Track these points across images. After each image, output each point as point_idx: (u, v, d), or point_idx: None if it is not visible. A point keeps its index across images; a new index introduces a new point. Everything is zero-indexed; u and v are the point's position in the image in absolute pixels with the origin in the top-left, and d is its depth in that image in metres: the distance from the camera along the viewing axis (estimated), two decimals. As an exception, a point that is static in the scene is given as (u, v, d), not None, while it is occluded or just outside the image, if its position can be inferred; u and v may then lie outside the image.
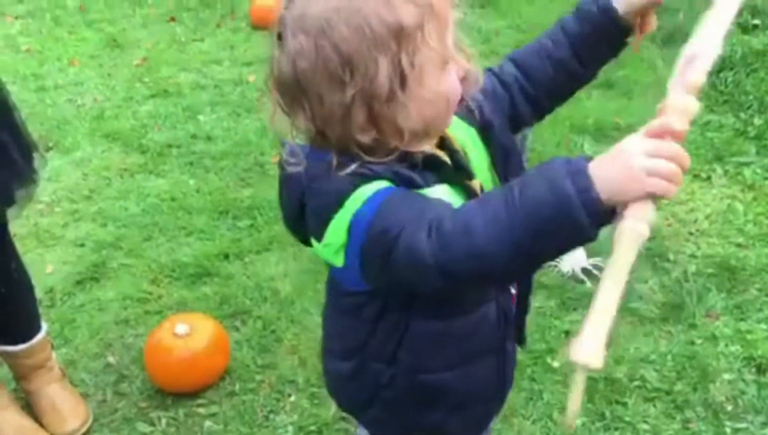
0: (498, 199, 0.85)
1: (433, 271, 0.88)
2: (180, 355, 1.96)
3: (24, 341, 1.86)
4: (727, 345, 2.14)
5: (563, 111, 3.74)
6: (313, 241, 1.03)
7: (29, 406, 1.93)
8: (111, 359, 2.15)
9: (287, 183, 1.07)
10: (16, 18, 4.70)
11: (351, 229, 0.95)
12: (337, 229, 0.97)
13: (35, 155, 1.74)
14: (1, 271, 1.78)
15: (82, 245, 2.66)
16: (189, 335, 1.98)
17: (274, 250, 2.61)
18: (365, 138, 0.95)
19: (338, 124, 0.95)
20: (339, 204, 0.95)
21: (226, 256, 2.57)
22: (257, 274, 2.48)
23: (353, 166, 0.96)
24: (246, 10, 4.68)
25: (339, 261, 1.00)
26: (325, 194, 0.98)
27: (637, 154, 0.80)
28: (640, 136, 0.82)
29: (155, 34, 4.50)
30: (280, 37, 0.95)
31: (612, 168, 0.80)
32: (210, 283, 2.45)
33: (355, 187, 0.95)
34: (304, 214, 1.04)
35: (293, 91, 0.95)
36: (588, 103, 3.55)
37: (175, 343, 1.97)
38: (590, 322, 0.79)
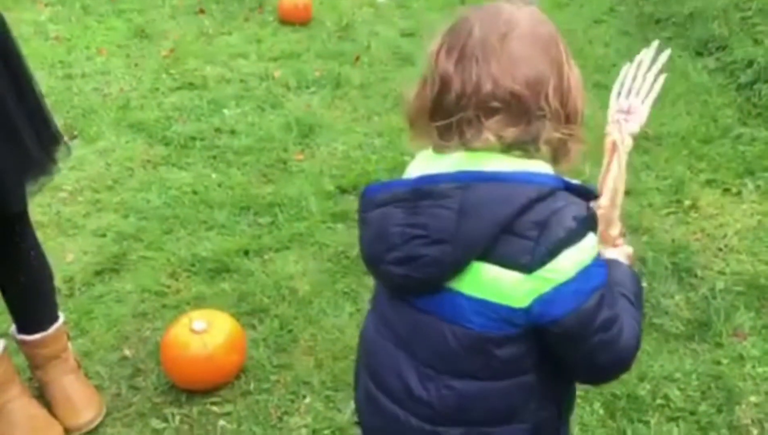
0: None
1: (627, 367, 1.05)
2: (196, 351, 1.94)
3: (40, 330, 1.86)
4: (754, 366, 2.08)
5: (591, 117, 3.67)
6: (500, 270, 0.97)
7: (43, 397, 1.92)
8: (127, 352, 2.14)
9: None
10: (46, 5, 4.72)
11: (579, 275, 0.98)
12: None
13: (57, 146, 1.73)
14: (21, 258, 1.77)
15: (103, 236, 2.66)
16: (206, 332, 1.96)
17: (294, 248, 2.59)
18: None
19: None
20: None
21: (246, 253, 2.55)
22: (276, 272, 2.45)
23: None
24: (274, 4, 4.67)
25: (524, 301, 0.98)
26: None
27: None
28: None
29: (183, 26, 4.50)
30: None
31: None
32: (229, 279, 2.43)
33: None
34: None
35: None
36: (617, 111, 3.49)
37: (191, 339, 1.95)
38: None
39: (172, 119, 3.45)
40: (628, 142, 1.24)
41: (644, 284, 2.36)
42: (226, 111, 3.53)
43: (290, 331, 2.21)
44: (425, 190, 0.99)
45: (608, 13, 4.69)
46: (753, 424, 1.91)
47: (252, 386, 2.02)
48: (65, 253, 2.53)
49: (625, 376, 2.00)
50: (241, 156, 3.15)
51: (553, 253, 0.95)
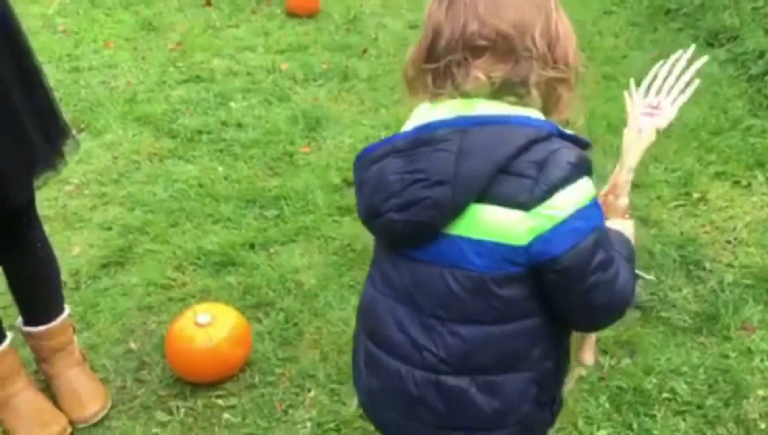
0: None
1: (621, 313, 1.07)
2: (201, 344, 1.95)
3: (46, 322, 1.86)
4: (762, 360, 2.06)
5: (600, 109, 3.66)
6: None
7: (49, 389, 1.93)
8: (132, 345, 2.14)
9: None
10: (55, -2, 4.73)
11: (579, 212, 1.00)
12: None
13: (65, 140, 1.73)
14: (28, 250, 1.78)
15: (109, 229, 2.66)
16: (211, 325, 1.96)
17: (300, 241, 2.59)
18: None
19: None
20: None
21: (252, 246, 2.55)
22: (282, 266, 2.45)
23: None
24: (282, -3, 4.65)
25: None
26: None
27: None
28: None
29: (191, 19, 4.49)
30: None
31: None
32: (234, 272, 2.43)
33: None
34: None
35: None
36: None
37: (196, 332, 1.95)
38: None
39: (179, 112, 3.45)
40: (652, 136, 1.31)
41: (652, 277, 2.34)
42: (232, 104, 3.53)
43: (295, 324, 2.21)
44: (424, 138, 1.02)
45: (618, 4, 4.65)
46: (761, 418, 1.89)
47: (257, 379, 2.02)
48: (71, 246, 2.54)
49: (631, 369, 2.01)
50: (247, 149, 3.15)
51: (551, 191, 0.98)
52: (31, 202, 1.74)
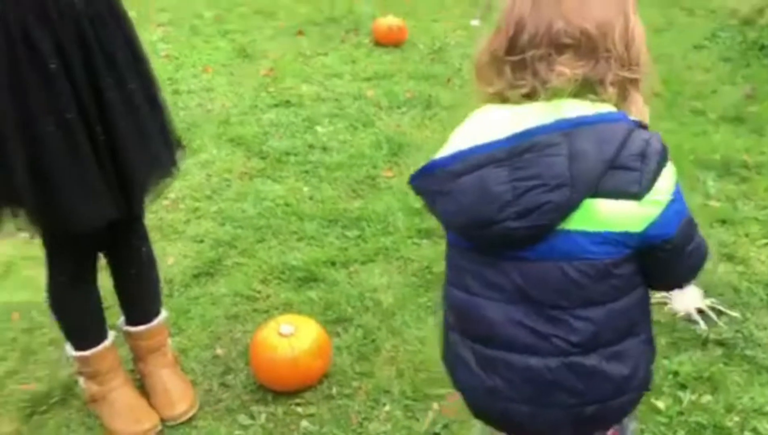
0: None
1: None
2: (283, 354, 2.03)
3: (145, 322, 2.00)
4: None
5: (687, 143, 3.60)
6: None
7: (143, 387, 2.06)
8: (219, 351, 2.25)
9: None
10: (159, 26, 5.04)
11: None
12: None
13: (178, 150, 1.87)
14: (134, 254, 1.93)
15: (201, 241, 2.82)
16: (293, 336, 2.05)
17: (379, 261, 2.66)
18: None
19: None
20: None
21: (333, 264, 2.64)
22: (361, 284, 2.53)
23: None
24: (369, 27, 4.81)
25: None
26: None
27: None
28: None
29: (283, 46, 4.70)
30: None
31: None
32: (316, 287, 2.52)
33: None
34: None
35: None
36: (716, 137, 3.40)
37: (279, 342, 2.04)
38: None
39: (269, 134, 3.61)
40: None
41: (737, 314, 2.29)
42: (319, 128, 3.67)
43: (373, 340, 2.28)
44: (525, 145, 1.06)
45: (710, 38, 4.58)
46: None
47: (335, 391, 2.09)
48: (166, 257, 2.69)
49: (712, 406, 1.97)
50: (332, 171, 3.26)
51: (654, 178, 1.07)
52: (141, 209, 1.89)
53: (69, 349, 1.94)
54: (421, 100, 3.92)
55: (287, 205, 3.03)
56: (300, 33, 4.90)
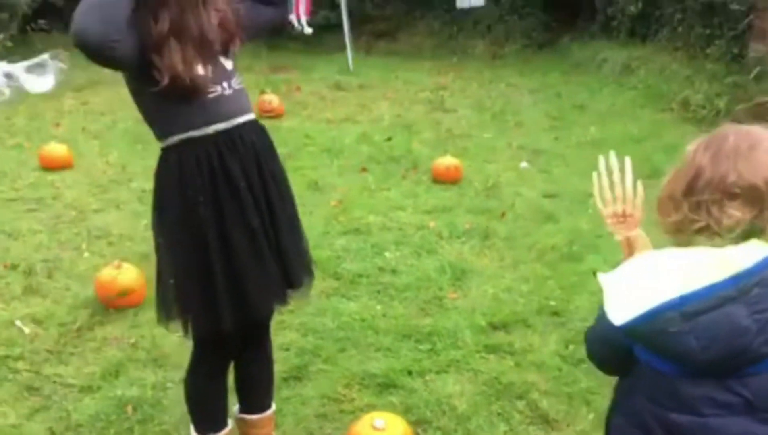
0: None
1: None
2: (376, 447, 2.27)
3: (259, 412, 2.27)
4: None
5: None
6: None
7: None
8: (313, 445, 2.50)
9: None
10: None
11: None
12: None
13: (310, 276, 2.24)
14: (262, 352, 2.24)
15: (287, 350, 3.11)
16: (385, 430, 2.29)
17: (451, 372, 2.92)
18: None
19: None
20: None
21: (410, 373, 2.91)
22: (436, 391, 2.78)
23: None
24: (427, 166, 5.31)
25: None
26: None
27: None
28: None
29: (349, 181, 5.19)
30: None
31: None
32: (395, 393, 2.78)
33: None
34: None
35: None
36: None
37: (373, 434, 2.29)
38: None
39: (342, 258, 3.98)
40: (641, 233, 1.65)
41: None
42: (387, 254, 4.03)
43: (451, 441, 2.50)
44: (752, 282, 1.27)
45: None
46: None
47: (420, 484, 2.30)
48: (258, 362, 2.98)
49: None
50: (401, 292, 3.59)
51: None
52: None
53: (193, 433, 2.21)
54: (479, 231, 4.29)
55: (363, 320, 3.33)
56: (364, 170, 5.40)
